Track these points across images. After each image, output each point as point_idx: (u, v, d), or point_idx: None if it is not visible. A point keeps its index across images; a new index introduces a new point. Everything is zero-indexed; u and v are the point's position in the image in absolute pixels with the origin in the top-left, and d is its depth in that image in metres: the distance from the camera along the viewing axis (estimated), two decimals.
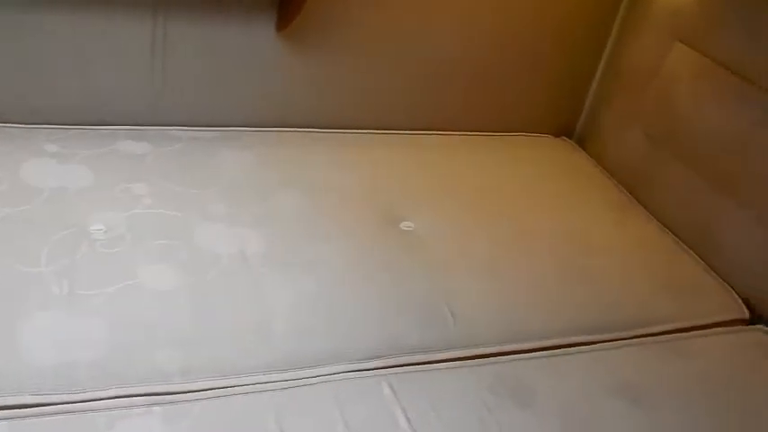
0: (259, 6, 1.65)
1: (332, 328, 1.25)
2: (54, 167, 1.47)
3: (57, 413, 1.03)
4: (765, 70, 1.54)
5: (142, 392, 1.08)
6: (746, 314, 1.53)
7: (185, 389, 1.10)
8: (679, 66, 1.74)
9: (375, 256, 1.43)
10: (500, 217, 1.64)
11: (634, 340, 1.39)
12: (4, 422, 1.00)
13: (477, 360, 1.27)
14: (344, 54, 1.79)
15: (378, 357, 1.23)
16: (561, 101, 2.10)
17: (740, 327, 1.50)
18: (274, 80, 1.76)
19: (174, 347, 1.15)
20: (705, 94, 1.67)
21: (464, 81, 1.95)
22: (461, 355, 1.27)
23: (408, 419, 1.11)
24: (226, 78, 1.73)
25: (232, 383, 1.12)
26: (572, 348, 1.34)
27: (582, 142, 2.11)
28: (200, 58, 1.67)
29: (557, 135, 2.11)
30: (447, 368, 1.24)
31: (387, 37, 1.80)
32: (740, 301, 1.55)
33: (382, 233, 1.50)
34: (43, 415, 1.02)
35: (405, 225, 1.54)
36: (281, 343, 1.20)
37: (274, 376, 1.15)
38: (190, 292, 1.24)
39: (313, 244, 1.42)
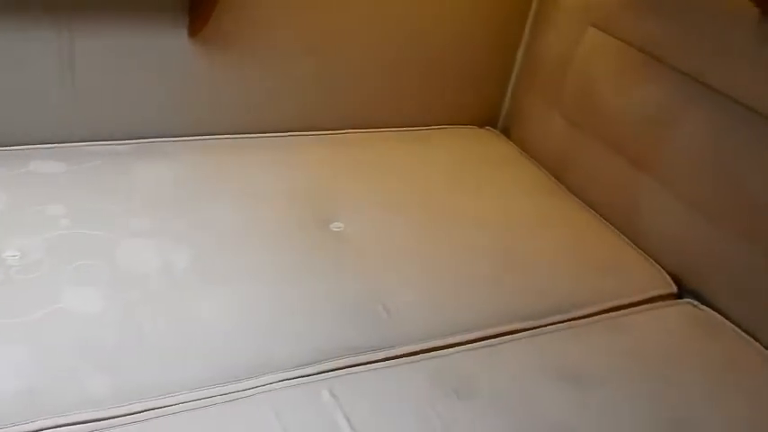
0: (169, 12, 1.61)
1: (265, 336, 1.23)
2: None
3: None
4: (676, 49, 1.58)
5: (73, 421, 1.04)
6: (674, 288, 1.57)
7: (118, 413, 1.06)
8: (593, 50, 1.77)
9: (306, 261, 1.41)
10: (429, 210, 1.64)
11: (569, 323, 1.41)
12: None
13: (415, 356, 1.27)
14: (263, 56, 1.76)
15: (315, 363, 1.21)
16: (483, 91, 2.12)
17: (669, 301, 1.54)
18: (192, 87, 1.73)
19: (104, 371, 1.11)
20: (619, 76, 1.70)
21: (386, 77, 1.94)
22: (399, 353, 1.27)
23: (350, 423, 1.10)
24: (141, 88, 1.68)
25: (166, 403, 1.09)
26: (509, 336, 1.35)
27: (506, 131, 2.13)
28: (111, 69, 1.63)
29: (481, 125, 2.13)
30: (386, 367, 1.24)
31: (305, 37, 1.79)
32: (667, 276, 1.59)
33: (312, 236, 1.49)
34: None
35: (335, 226, 1.53)
36: (214, 357, 1.18)
37: (209, 392, 1.12)
38: (116, 313, 1.20)
39: (242, 253, 1.40)
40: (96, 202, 1.45)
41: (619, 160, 1.73)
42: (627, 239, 1.69)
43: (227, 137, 1.78)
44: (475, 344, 1.32)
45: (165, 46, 1.65)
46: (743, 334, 1.45)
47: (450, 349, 1.30)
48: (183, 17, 1.63)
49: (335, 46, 1.83)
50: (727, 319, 1.48)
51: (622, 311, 1.47)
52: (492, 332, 1.35)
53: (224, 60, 1.72)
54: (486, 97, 2.14)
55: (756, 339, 1.43)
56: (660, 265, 1.62)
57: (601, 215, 1.76)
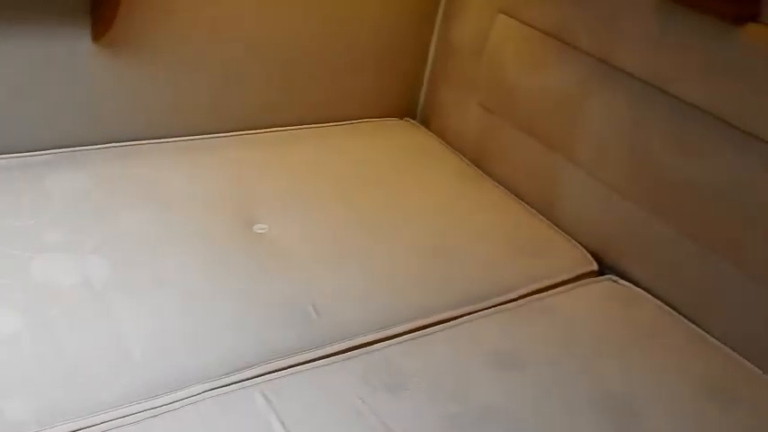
0: (71, 16, 1.55)
1: (194, 344, 1.21)
2: None
3: None
4: (582, 33, 1.61)
5: None
6: (595, 266, 1.61)
7: None
8: (503, 37, 1.80)
9: (230, 264, 1.39)
10: (352, 205, 1.64)
11: (498, 308, 1.44)
12: None
13: (347, 353, 1.26)
14: (171, 57, 1.72)
15: (246, 368, 1.19)
16: (400, 83, 2.13)
17: (592, 279, 1.58)
18: (101, 92, 1.67)
19: (25, 395, 1.07)
20: (530, 61, 1.74)
21: (299, 72, 1.92)
22: (331, 351, 1.26)
23: (284, 426, 1.08)
24: (49, 97, 1.62)
25: (91, 422, 1.06)
26: (440, 325, 1.36)
27: (425, 121, 2.14)
28: (16, 78, 1.56)
29: (400, 117, 2.14)
30: (318, 366, 1.23)
31: (213, 34, 1.75)
32: (588, 254, 1.63)
33: (236, 239, 1.46)
34: None
35: (258, 228, 1.51)
36: (140, 370, 1.14)
37: (137, 407, 1.09)
38: (34, 333, 1.16)
39: (164, 260, 1.37)
40: (8, 217, 1.39)
41: (535, 144, 1.76)
42: (548, 221, 1.73)
43: (141, 143, 1.73)
44: (406, 336, 1.33)
45: (70, 52, 1.59)
46: (663, 305, 1.50)
47: (383, 343, 1.30)
48: (85, 21, 1.57)
49: (245, 43, 1.80)
50: (647, 292, 1.53)
51: (549, 292, 1.51)
52: (423, 323, 1.36)
53: (132, 63, 1.68)
54: (403, 89, 2.14)
55: (676, 310, 1.49)
56: (581, 244, 1.66)
57: (522, 199, 1.80)
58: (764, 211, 1.32)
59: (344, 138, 1.95)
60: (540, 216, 1.74)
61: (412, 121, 2.14)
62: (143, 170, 1.63)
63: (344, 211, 1.62)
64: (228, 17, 1.75)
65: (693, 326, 1.46)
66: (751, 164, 1.33)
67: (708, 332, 1.44)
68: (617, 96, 1.55)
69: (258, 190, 1.63)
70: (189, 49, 1.73)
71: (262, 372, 1.19)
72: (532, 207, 1.77)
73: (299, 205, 1.60)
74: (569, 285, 1.54)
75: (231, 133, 1.85)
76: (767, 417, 1.26)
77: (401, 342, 1.31)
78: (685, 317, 1.48)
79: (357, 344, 1.29)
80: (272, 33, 1.83)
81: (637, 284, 1.55)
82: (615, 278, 1.58)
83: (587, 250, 1.64)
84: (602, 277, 1.59)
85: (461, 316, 1.39)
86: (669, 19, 1.44)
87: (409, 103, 2.17)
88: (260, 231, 1.50)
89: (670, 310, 1.49)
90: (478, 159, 1.93)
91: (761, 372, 1.36)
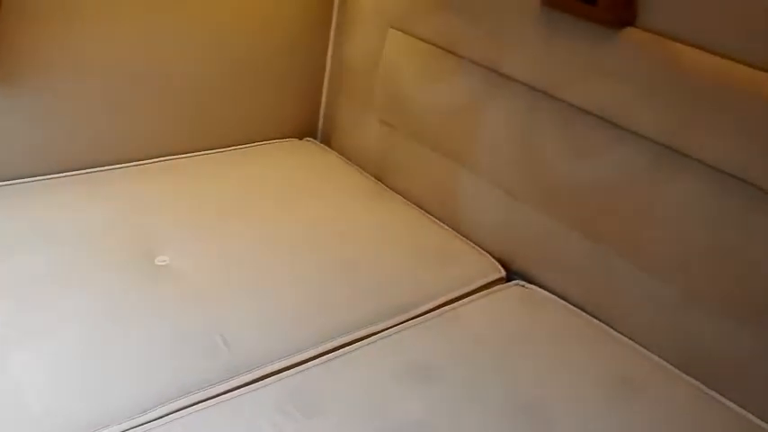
0: None
1: (98, 389, 1.17)
2: None
3: None
4: (471, 44, 1.66)
5: None
6: (503, 272, 1.65)
7: None
8: (396, 51, 1.83)
9: (133, 300, 1.36)
10: (256, 230, 1.63)
11: (409, 322, 1.45)
12: None
13: (260, 382, 1.25)
14: (53, 93, 1.68)
15: (157, 406, 1.17)
16: (298, 102, 2.13)
17: (500, 285, 1.62)
18: None
19: None
20: (424, 74, 1.77)
21: (192, 97, 1.91)
22: (244, 382, 1.25)
23: None
24: None
25: None
26: (352, 345, 1.37)
27: (326, 140, 2.15)
28: None
29: (301, 137, 2.14)
30: (232, 398, 1.22)
31: (96, 66, 1.72)
32: (495, 261, 1.67)
33: (136, 273, 1.43)
34: None
35: (159, 260, 1.48)
36: (39, 423, 1.10)
37: None
38: None
39: (62, 301, 1.32)
40: None
41: (436, 156, 1.80)
42: (454, 231, 1.76)
43: (28, 180, 1.67)
44: (320, 359, 1.33)
45: None
46: (569, 306, 1.55)
47: (296, 368, 1.30)
48: None
49: (134, 72, 1.77)
50: (554, 294, 1.58)
51: (459, 302, 1.54)
52: (335, 344, 1.37)
53: (12, 103, 1.62)
54: (302, 108, 2.15)
55: (582, 309, 1.54)
56: (487, 251, 1.70)
57: (427, 211, 1.83)
58: (654, 207, 1.38)
59: (244, 161, 1.94)
60: (446, 227, 1.78)
61: (313, 140, 2.14)
62: (35, 207, 1.58)
63: (248, 236, 1.61)
64: (109, 46, 1.72)
65: (599, 323, 1.51)
66: (639, 162, 1.40)
67: (613, 328, 1.50)
68: (509, 104, 1.60)
69: (158, 221, 1.60)
70: (71, 84, 1.69)
71: (173, 409, 1.17)
72: (437, 218, 1.80)
73: (200, 234, 1.58)
74: (478, 294, 1.57)
75: (126, 164, 1.81)
76: (673, 406, 1.33)
77: (315, 365, 1.31)
78: (591, 315, 1.53)
79: (270, 371, 1.28)
80: (160, 62, 1.81)
81: (544, 287, 1.60)
82: (522, 283, 1.63)
83: (494, 257, 1.68)
84: (510, 283, 1.63)
85: (373, 334, 1.40)
86: (552, 26, 1.50)
87: (309, 122, 2.18)
88: (161, 264, 1.47)
89: (576, 309, 1.54)
90: (381, 174, 1.95)
91: (665, 362, 1.42)
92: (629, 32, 1.40)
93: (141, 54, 1.77)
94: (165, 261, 1.48)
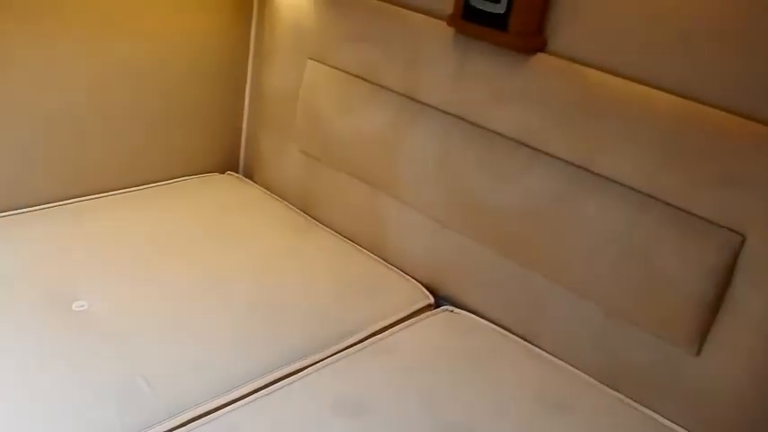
0: None
1: None
2: None
3: None
4: (388, 73, 1.70)
5: None
6: (431, 299, 1.68)
7: None
8: (315, 82, 1.86)
9: (50, 348, 1.33)
10: (179, 269, 1.62)
11: (338, 354, 1.46)
12: None
13: (188, 425, 1.24)
14: None
15: None
16: (218, 136, 2.13)
17: (429, 312, 1.65)
18: None
19: None
20: (344, 104, 1.80)
21: (116, 137, 1.89)
22: (171, 426, 1.23)
23: None
24: None
25: None
26: (281, 381, 1.37)
27: (249, 173, 2.15)
28: None
29: (222, 171, 2.13)
30: None
31: (25, 108, 1.70)
32: (423, 288, 1.70)
33: (54, 320, 1.40)
34: None
35: (77, 305, 1.45)
36: None
37: None
38: None
39: None
40: None
41: (359, 185, 1.82)
42: (380, 260, 1.78)
43: None
44: (249, 397, 1.32)
45: None
46: (497, 328, 1.59)
47: (225, 409, 1.29)
48: None
49: (44, 113, 1.75)
50: (481, 317, 1.62)
51: (388, 331, 1.55)
52: (266, 380, 1.37)
53: None
54: (222, 141, 2.15)
55: (509, 330, 1.58)
56: (414, 278, 1.72)
57: (353, 241, 1.85)
58: (572, 226, 1.43)
59: (164, 199, 1.92)
60: (373, 256, 1.80)
61: (235, 174, 2.14)
62: None
63: (171, 275, 1.59)
64: (29, 91, 1.70)
65: (526, 343, 1.55)
66: (555, 183, 1.45)
67: (540, 347, 1.54)
68: (428, 130, 1.64)
69: (73, 265, 1.57)
70: None
71: None
72: (364, 248, 1.82)
73: (119, 276, 1.56)
74: (407, 322, 1.59)
75: (44, 206, 1.78)
76: (601, 420, 1.37)
77: (244, 405, 1.30)
78: (518, 335, 1.57)
79: (198, 414, 1.27)
80: (75, 102, 1.79)
81: (471, 311, 1.64)
82: (451, 308, 1.65)
83: (422, 284, 1.71)
84: (438, 309, 1.66)
85: (303, 368, 1.41)
86: (466, 53, 1.55)
87: (230, 155, 2.18)
88: (79, 309, 1.44)
89: (503, 331, 1.58)
90: (306, 207, 1.96)
91: (590, 378, 1.46)
92: (540, 58, 1.46)
93: (56, 96, 1.75)
94: (83, 306, 1.45)
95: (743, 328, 1.28)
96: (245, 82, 2.11)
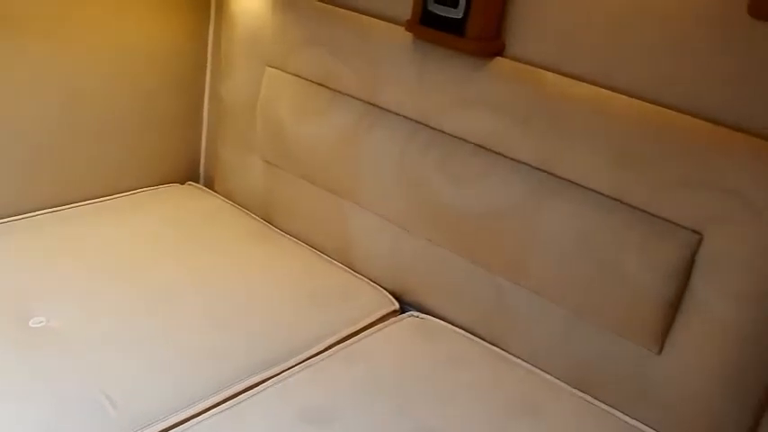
0: None
1: None
2: None
3: None
4: (347, 79, 1.71)
5: None
6: (396, 305, 1.69)
7: None
8: (274, 89, 1.85)
9: (7, 366, 1.30)
10: (141, 282, 1.60)
11: (304, 363, 1.46)
12: None
13: None
14: None
15: None
16: (178, 146, 2.12)
17: (394, 318, 1.66)
18: None
19: None
20: (304, 111, 1.80)
21: (76, 148, 1.87)
22: None
23: None
24: None
25: None
26: (247, 392, 1.37)
27: (209, 183, 2.14)
28: None
29: (183, 182, 2.12)
30: None
31: None
32: (388, 294, 1.71)
33: (10, 338, 1.38)
34: None
35: (35, 322, 1.43)
36: None
37: None
38: None
39: None
40: None
41: (322, 192, 1.82)
42: (345, 267, 1.79)
43: None
44: (214, 409, 1.32)
45: None
46: (464, 333, 1.60)
47: (190, 422, 1.28)
48: None
49: (8, 126, 1.72)
50: (447, 321, 1.63)
51: (354, 338, 1.56)
52: (231, 392, 1.36)
53: None
54: (182, 152, 2.13)
55: (475, 334, 1.59)
56: (380, 285, 1.73)
57: (317, 249, 1.85)
58: (536, 230, 1.45)
59: (122, 211, 1.90)
60: (338, 263, 1.80)
61: (196, 184, 2.12)
62: None
63: (129, 289, 1.58)
64: None
65: (492, 347, 1.57)
66: (518, 187, 1.46)
67: (507, 351, 1.55)
68: (389, 136, 1.65)
69: (30, 280, 1.55)
70: None
71: None
72: (328, 255, 1.82)
73: (78, 291, 1.54)
74: (373, 328, 1.60)
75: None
76: (569, 423, 1.39)
77: (210, 416, 1.29)
78: (485, 340, 1.58)
79: (163, 428, 1.26)
80: (27, 115, 1.77)
81: (437, 316, 1.65)
82: (416, 314, 1.66)
83: (386, 290, 1.72)
84: (404, 315, 1.67)
85: (268, 378, 1.40)
86: (425, 58, 1.56)
87: (191, 166, 2.17)
88: (37, 326, 1.42)
89: (470, 335, 1.59)
90: (269, 215, 1.95)
91: (558, 380, 1.48)
92: (499, 62, 1.48)
93: (8, 108, 1.73)
94: (41, 322, 1.43)
95: (703, 326, 1.31)
96: (204, 91, 2.10)
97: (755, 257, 1.23)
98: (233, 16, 1.92)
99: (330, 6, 1.73)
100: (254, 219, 1.95)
